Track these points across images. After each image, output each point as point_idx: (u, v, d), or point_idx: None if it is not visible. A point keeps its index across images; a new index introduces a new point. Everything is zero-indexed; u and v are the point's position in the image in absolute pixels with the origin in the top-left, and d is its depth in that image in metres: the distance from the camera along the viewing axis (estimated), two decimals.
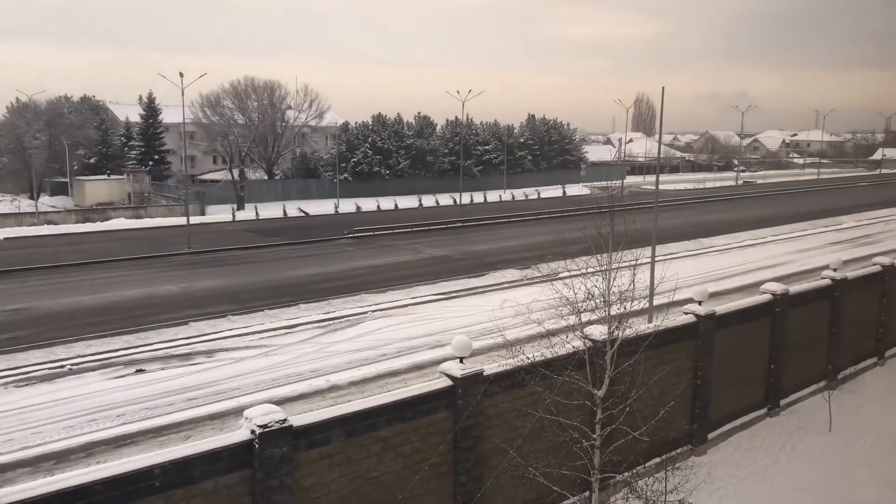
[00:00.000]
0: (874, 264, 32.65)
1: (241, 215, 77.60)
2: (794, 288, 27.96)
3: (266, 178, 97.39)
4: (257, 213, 77.52)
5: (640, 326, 20.37)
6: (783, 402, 26.87)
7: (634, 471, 18.51)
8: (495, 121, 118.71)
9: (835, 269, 29.65)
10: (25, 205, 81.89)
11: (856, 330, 30.50)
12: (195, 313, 36.00)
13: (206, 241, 58.45)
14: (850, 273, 30.84)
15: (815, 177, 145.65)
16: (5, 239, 60.56)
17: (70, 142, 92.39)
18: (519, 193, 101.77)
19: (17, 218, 71.42)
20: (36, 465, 19.49)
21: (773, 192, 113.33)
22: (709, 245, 59.26)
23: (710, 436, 23.77)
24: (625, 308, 16.84)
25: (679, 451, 22.04)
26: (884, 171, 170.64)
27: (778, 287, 26.62)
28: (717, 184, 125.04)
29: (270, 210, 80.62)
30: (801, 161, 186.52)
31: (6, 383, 26.19)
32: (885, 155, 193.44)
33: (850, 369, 30.53)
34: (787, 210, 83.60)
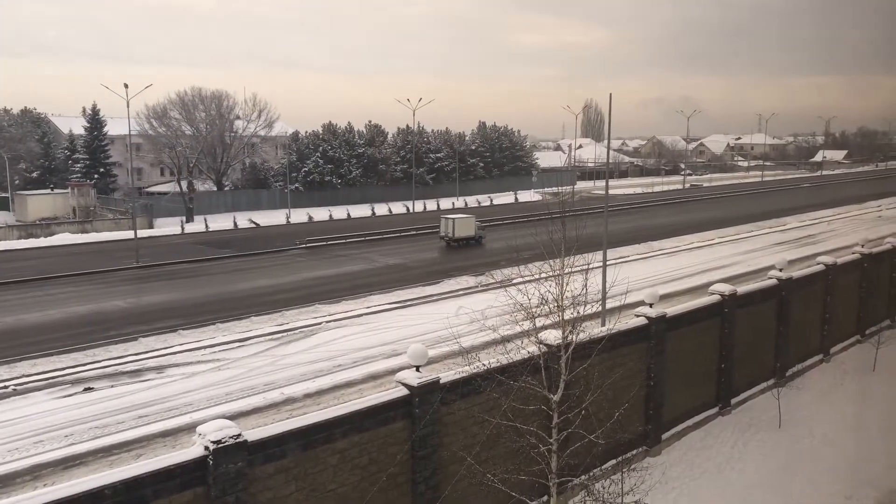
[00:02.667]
0: (818, 263, 33.58)
1: (190, 228, 76.33)
2: (742, 289, 28.59)
3: (215, 189, 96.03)
4: (207, 226, 76.36)
5: (594, 330, 20.58)
6: (734, 400, 27.42)
7: (591, 473, 18.68)
8: (447, 128, 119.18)
9: (780, 270, 30.40)
10: None
11: (802, 328, 31.30)
12: (144, 329, 35.25)
13: (155, 255, 57.31)
14: (796, 273, 31.66)
15: (760, 179, 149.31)
16: None
17: (10, 155, 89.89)
18: (472, 200, 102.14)
19: None
20: None
21: (719, 194, 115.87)
22: (658, 248, 60.26)
23: (664, 436, 24.12)
24: (578, 312, 17.01)
25: (634, 452, 22.31)
26: (824, 172, 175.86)
27: (726, 288, 27.19)
28: (665, 188, 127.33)
29: (220, 222, 79.48)
30: (745, 164, 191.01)
31: None
32: (825, 157, 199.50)
33: (798, 367, 31.31)
34: (732, 212, 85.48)
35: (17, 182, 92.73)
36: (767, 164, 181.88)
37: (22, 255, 59.68)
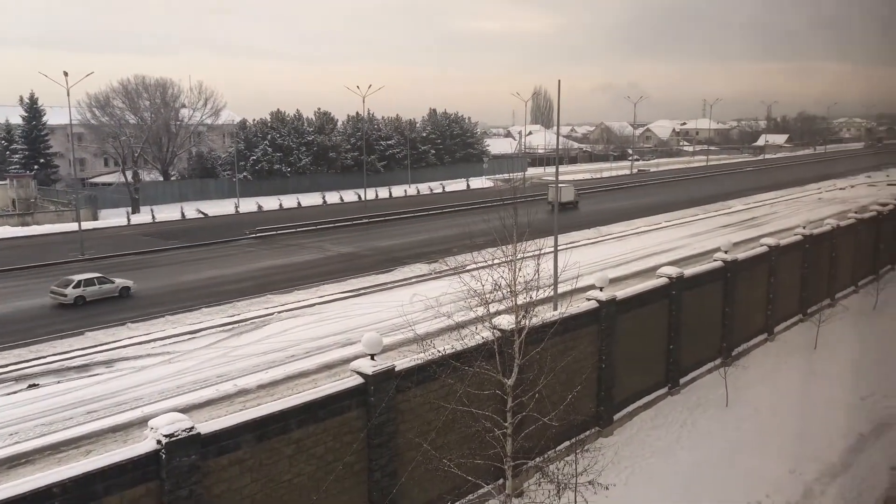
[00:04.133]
0: (762, 245, 34.46)
1: (136, 219, 74.72)
2: (689, 271, 29.20)
3: (161, 179, 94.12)
4: (154, 216, 74.85)
5: (546, 314, 20.83)
6: (683, 380, 28.06)
7: (546, 455, 18.96)
8: (397, 116, 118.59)
9: (726, 252, 31.12)
10: None
11: (747, 309, 32.14)
12: (91, 322, 34.49)
13: (101, 247, 55.99)
14: (740, 255, 32.45)
15: (705, 163, 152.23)
16: None
17: None
18: (424, 187, 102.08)
19: None
20: None
21: (666, 179, 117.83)
22: (607, 232, 61.10)
23: (616, 417, 24.58)
24: (531, 297, 17.18)
25: (587, 433, 22.70)
26: (767, 156, 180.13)
27: (673, 271, 27.74)
28: (614, 173, 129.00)
29: (168, 212, 77.97)
30: (690, 149, 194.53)
31: None
32: (767, 141, 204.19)
33: (743, 346, 32.16)
34: (679, 196, 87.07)
35: None
36: (712, 148, 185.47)
37: None
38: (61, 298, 38.42)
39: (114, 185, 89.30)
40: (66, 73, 57.67)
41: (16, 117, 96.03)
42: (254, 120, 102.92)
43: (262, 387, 25.53)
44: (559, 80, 35.31)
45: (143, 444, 13.25)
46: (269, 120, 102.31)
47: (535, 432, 17.87)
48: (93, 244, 56.08)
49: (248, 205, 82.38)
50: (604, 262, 45.65)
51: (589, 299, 23.74)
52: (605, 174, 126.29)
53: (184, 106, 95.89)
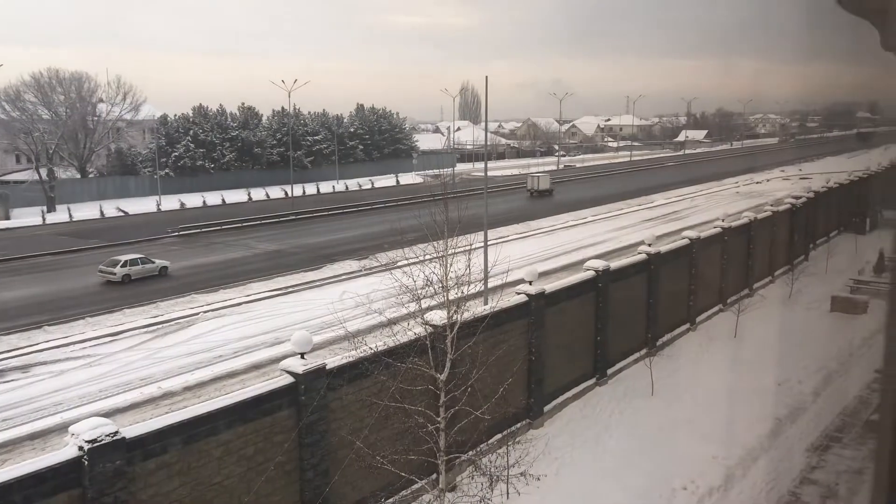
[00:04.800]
0: (683, 238, 35.47)
1: (52, 218, 71.87)
2: (615, 264, 29.83)
3: (79, 176, 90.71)
4: (71, 215, 72.14)
5: (478, 309, 20.95)
6: (610, 371, 28.66)
7: (478, 449, 19.09)
8: (324, 111, 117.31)
9: (649, 245, 31.92)
10: None
11: (670, 299, 33.04)
12: (5, 326, 33.02)
13: (13, 248, 53.65)
14: (663, 247, 33.33)
15: (629, 159, 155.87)
16: None
17: None
18: (352, 183, 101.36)
19: None
20: None
21: (591, 174, 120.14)
22: (536, 227, 61.94)
23: (546, 408, 24.93)
24: (462, 292, 17.26)
25: (518, 425, 22.95)
26: (687, 151, 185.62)
27: (600, 264, 28.30)
28: (540, 168, 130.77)
29: (86, 211, 75.26)
30: (615, 144, 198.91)
31: None
32: (688, 136, 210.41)
33: (667, 336, 33.04)
34: (604, 191, 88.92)
35: None
36: (635, 144, 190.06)
37: None
38: (110, 276, 42.85)
39: (27, 183, 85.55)
40: None
41: None
42: (175, 115, 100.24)
43: (188, 389, 24.95)
44: (486, 77, 35.63)
45: (64, 451, 12.76)
46: (191, 115, 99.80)
47: (468, 426, 17.97)
48: (5, 244, 53.71)
49: (171, 202, 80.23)
50: (533, 256, 46.27)
51: (519, 293, 23.99)
52: (533, 170, 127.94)
53: (101, 101, 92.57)
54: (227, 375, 26.23)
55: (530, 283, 24.17)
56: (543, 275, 35.02)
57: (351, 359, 17.37)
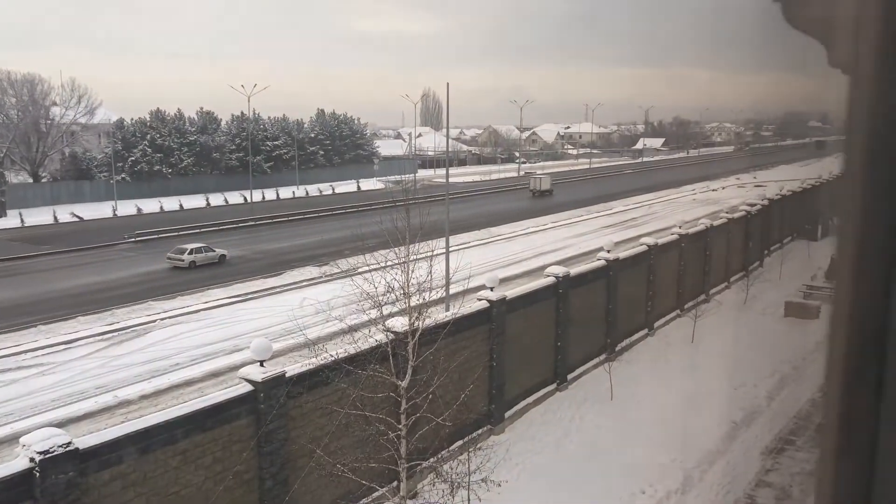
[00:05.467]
0: (641, 244, 35.95)
1: (2, 223, 70.09)
2: (574, 270, 30.11)
3: (31, 181, 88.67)
4: (22, 220, 70.45)
5: (439, 315, 20.98)
6: (570, 376, 28.88)
7: (439, 456, 19.07)
8: (284, 116, 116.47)
9: (608, 251, 32.29)
10: None
11: (629, 305, 33.44)
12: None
13: None
14: (622, 254, 33.74)
15: (588, 166, 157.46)
16: None
17: None
18: (313, 189, 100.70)
19: None
20: None
21: (552, 182, 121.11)
22: (497, 233, 62.22)
23: (507, 414, 25.03)
24: (424, 299, 17.28)
25: (480, 431, 23.00)
26: (645, 159, 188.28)
27: (560, 270, 28.54)
28: (501, 175, 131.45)
29: (38, 216, 73.52)
30: (575, 152, 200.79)
31: None
32: (645, 144, 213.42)
33: (626, 341, 33.43)
34: (564, 198, 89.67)
35: None
36: (595, 151, 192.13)
37: None
38: (178, 262, 47.54)
39: None
40: None
41: None
42: (132, 119, 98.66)
43: (144, 397, 24.53)
44: (447, 83, 35.72)
45: (14, 463, 12.45)
46: (148, 119, 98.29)
47: (429, 433, 17.96)
48: None
49: (127, 208, 78.86)
50: (494, 262, 46.45)
51: (480, 299, 24.07)
52: (494, 176, 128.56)
53: (55, 104, 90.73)
54: (184, 383, 25.86)
55: (491, 289, 24.27)
56: (504, 281, 35.18)
57: (311, 366, 17.26)
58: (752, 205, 50.79)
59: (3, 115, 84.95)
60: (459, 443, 21.09)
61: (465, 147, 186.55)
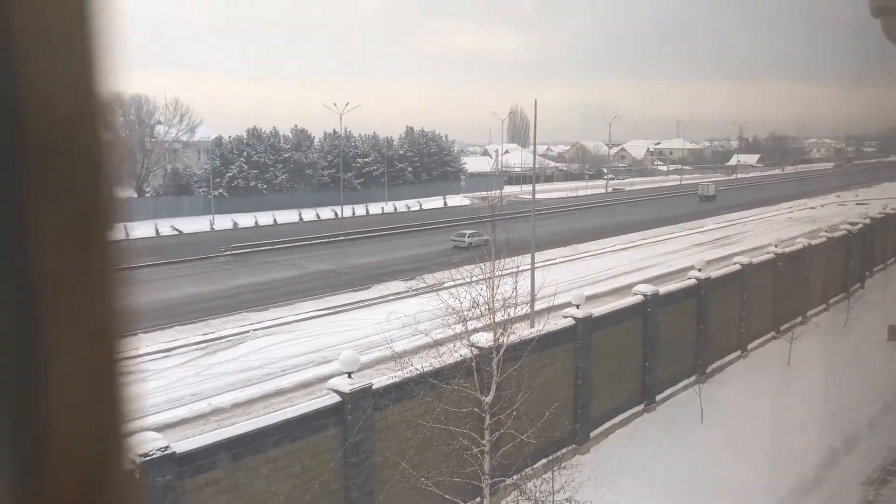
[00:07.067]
0: (734, 263, 34.90)
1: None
2: (664, 289, 29.50)
3: (135, 195, 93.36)
4: (127, 233, 74.06)
5: (524, 332, 20.93)
6: (658, 397, 28.24)
7: (523, 473, 18.96)
8: (374, 133, 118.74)
9: (699, 270, 31.49)
10: None
11: (721, 326, 32.48)
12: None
13: None
14: (714, 272, 32.84)
15: (678, 182, 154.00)
16: None
17: None
18: (401, 205, 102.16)
19: None
20: None
21: (641, 198, 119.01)
22: (583, 250, 61.52)
23: (593, 434, 24.68)
24: (509, 314, 17.29)
25: (564, 451, 22.75)
26: (739, 175, 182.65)
27: (648, 288, 28.01)
28: (589, 192, 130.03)
29: (141, 229, 77.15)
30: (664, 168, 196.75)
31: None
32: (739, 161, 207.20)
33: (717, 363, 32.45)
34: (654, 214, 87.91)
35: None
36: (686, 167, 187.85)
37: None
38: (461, 244, 54.40)
39: None
40: None
41: None
42: (230, 137, 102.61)
43: (237, 405, 25.36)
44: (535, 100, 35.77)
45: None
46: (245, 137, 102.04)
47: (513, 450, 17.91)
48: None
49: (224, 221, 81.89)
50: (580, 279, 45.93)
51: (565, 317, 23.89)
52: (581, 193, 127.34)
53: (159, 122, 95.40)
54: (275, 393, 26.62)
55: (577, 306, 24.06)
56: (591, 298, 34.77)
57: (397, 379, 17.50)
58: (853, 223, 48.57)
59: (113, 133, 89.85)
60: (543, 461, 20.93)
61: (551, 163, 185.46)
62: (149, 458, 12.94)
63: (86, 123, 0.67)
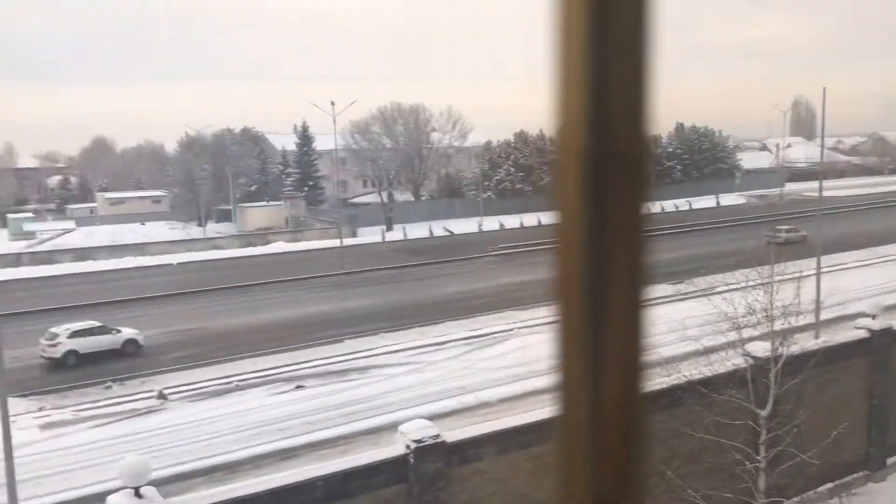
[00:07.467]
0: None
1: (390, 236, 79.97)
2: None
3: (413, 199, 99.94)
4: (405, 234, 79.60)
5: (807, 343, 19.15)
6: None
7: (803, 496, 17.40)
8: None
9: None
10: (195, 232, 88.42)
11: None
12: (349, 331, 37.34)
13: (358, 262, 60.59)
14: None
15: None
16: (178, 264, 65.58)
17: (233, 171, 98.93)
18: (668, 205, 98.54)
19: (187, 244, 77.19)
20: (210, 474, 20.82)
21: None
22: (882, 254, 54.74)
23: (890, 461, 21.89)
24: (789, 323, 15.92)
25: (854, 476, 20.46)
26: None
27: None
28: (890, 188, 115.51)
29: (417, 230, 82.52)
30: None
31: (183, 398, 28.25)
32: None
33: None
34: None
35: (238, 196, 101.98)
36: None
37: (242, 262, 65.55)
38: (777, 239, 50.40)
39: (371, 205, 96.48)
40: (332, 103, 63.51)
41: (290, 144, 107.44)
42: (497, 141, 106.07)
43: (502, 401, 26.04)
44: (824, 89, 32.54)
45: (393, 448, 14.06)
46: (512, 141, 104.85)
47: (792, 469, 16.46)
48: (351, 259, 60.87)
49: (491, 223, 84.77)
50: (877, 287, 40.94)
51: (858, 328, 21.46)
52: (880, 189, 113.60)
53: (434, 130, 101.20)
54: (539, 391, 26.89)
55: (873, 316, 21.49)
56: (890, 309, 30.90)
57: (663, 385, 16.86)
58: None
59: (393, 142, 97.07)
60: (829, 485, 19.00)
61: (842, 157, 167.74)
62: (422, 444, 13.73)
63: (648, 137, 0.88)
